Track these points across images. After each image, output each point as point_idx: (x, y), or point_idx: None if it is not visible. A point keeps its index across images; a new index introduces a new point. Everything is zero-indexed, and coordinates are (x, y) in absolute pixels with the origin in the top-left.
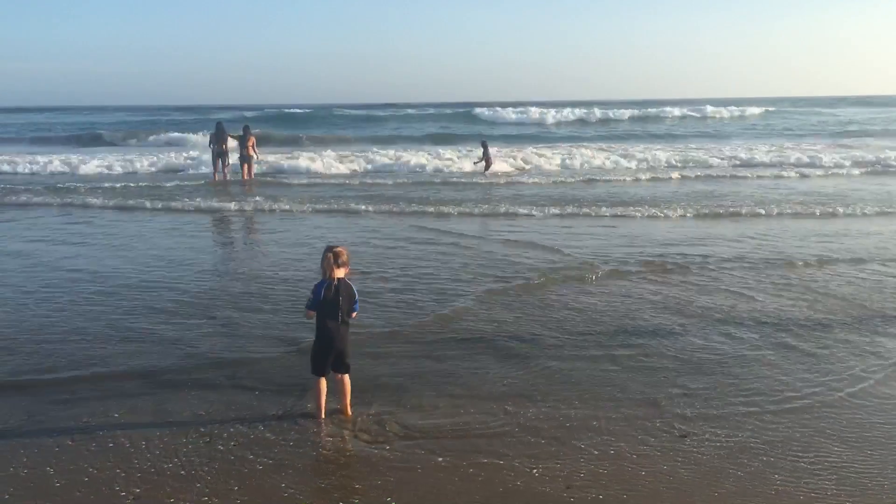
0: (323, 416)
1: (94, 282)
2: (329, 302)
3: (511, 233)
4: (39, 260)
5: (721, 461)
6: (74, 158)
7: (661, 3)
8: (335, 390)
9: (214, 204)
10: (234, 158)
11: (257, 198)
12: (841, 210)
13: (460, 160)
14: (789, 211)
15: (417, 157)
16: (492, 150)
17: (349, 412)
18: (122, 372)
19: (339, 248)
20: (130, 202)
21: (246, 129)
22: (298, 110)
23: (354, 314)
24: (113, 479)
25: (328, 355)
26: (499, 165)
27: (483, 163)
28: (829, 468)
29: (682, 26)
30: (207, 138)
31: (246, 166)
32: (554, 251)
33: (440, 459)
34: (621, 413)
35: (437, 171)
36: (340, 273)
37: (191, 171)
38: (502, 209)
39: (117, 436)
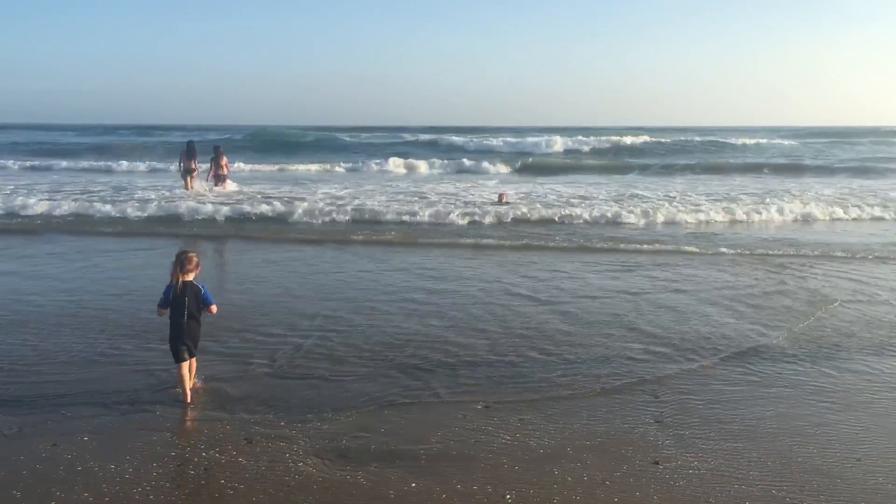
0: (188, 399)
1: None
2: (176, 301)
3: None
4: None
5: (693, 489)
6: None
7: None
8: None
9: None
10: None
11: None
12: None
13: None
14: None
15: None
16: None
17: (193, 384)
18: (86, 395)
19: (188, 255)
20: None
21: (216, 149)
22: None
23: (213, 308)
24: (80, 503)
25: (180, 345)
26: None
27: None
28: (804, 497)
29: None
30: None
31: (222, 183)
32: None
33: (413, 485)
34: (595, 441)
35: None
36: (189, 277)
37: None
38: None
39: (86, 460)
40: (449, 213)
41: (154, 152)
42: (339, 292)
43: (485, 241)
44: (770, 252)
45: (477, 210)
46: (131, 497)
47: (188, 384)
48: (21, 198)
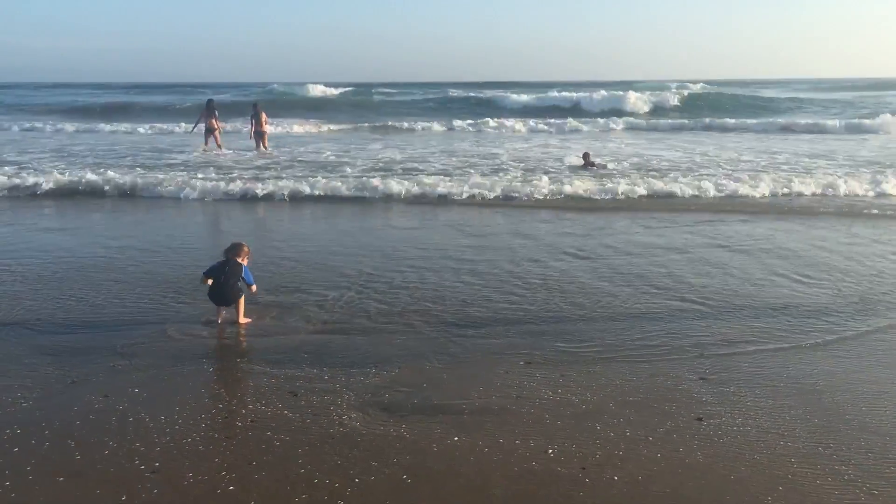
0: (220, 320)
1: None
2: (220, 273)
3: None
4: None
5: (738, 445)
6: None
7: None
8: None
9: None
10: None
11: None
12: None
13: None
14: None
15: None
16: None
17: (241, 320)
18: (135, 349)
19: (240, 244)
20: None
21: (255, 106)
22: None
23: (253, 287)
24: (133, 452)
25: (218, 303)
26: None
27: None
28: (851, 455)
29: None
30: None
31: (262, 140)
32: None
33: (455, 439)
34: (638, 397)
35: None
36: (239, 259)
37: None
38: None
39: (138, 410)
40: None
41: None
42: (377, 248)
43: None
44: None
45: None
46: (182, 447)
47: (220, 317)
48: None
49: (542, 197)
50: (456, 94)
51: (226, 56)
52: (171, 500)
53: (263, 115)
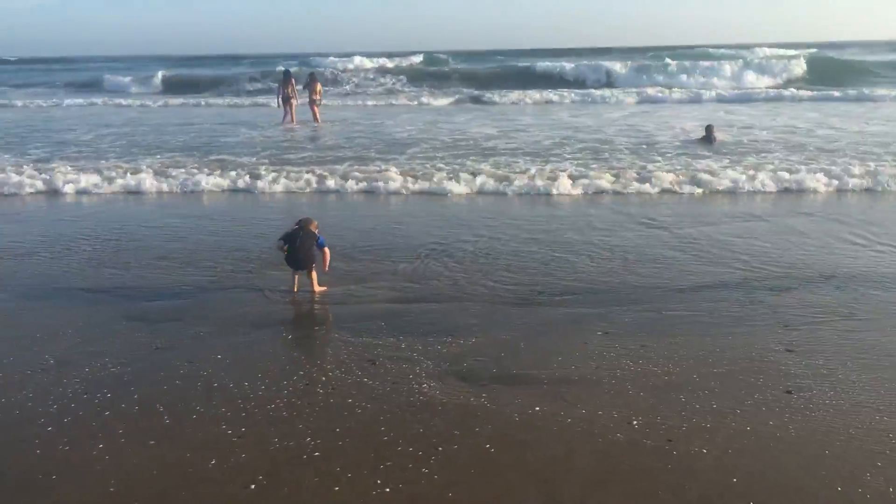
0: (295, 289)
1: None
2: (294, 240)
3: None
4: None
5: (831, 419)
6: None
7: None
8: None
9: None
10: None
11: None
12: None
13: None
14: None
15: None
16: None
17: (316, 288)
18: (217, 317)
19: (308, 220)
20: None
21: (311, 76)
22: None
23: (326, 249)
24: (219, 418)
25: (293, 267)
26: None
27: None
28: None
29: None
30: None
31: (316, 109)
32: None
33: (536, 409)
34: (722, 368)
35: None
36: (310, 227)
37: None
38: None
39: (222, 377)
40: None
41: None
42: (459, 220)
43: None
44: None
45: None
46: (266, 413)
47: (295, 284)
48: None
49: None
50: (523, 64)
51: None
52: (258, 465)
53: (318, 85)
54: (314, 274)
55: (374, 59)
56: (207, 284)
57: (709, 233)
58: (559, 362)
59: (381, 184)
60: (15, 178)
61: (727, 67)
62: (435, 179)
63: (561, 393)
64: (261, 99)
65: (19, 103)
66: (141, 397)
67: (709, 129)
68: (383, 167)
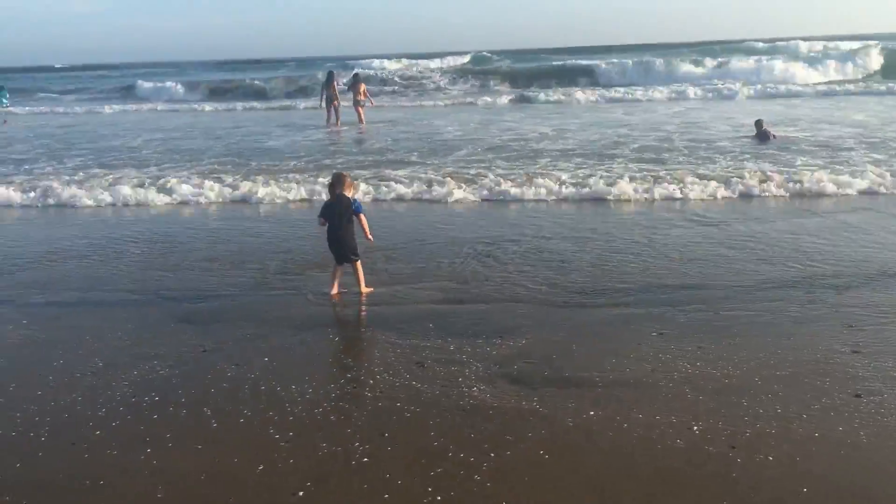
0: (332, 291)
1: None
2: (332, 211)
3: None
4: None
5: None
6: None
7: None
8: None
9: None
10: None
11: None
12: None
13: None
14: None
15: None
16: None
17: (362, 290)
18: (263, 318)
19: (340, 175)
20: None
21: (355, 76)
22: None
23: (362, 216)
24: (266, 422)
25: (333, 249)
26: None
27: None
28: None
29: None
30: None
31: (360, 110)
32: None
33: (591, 413)
34: (786, 371)
35: None
36: (345, 192)
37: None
38: None
39: (269, 380)
40: None
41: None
42: (505, 219)
43: None
44: None
45: None
46: (313, 417)
47: (336, 280)
48: None
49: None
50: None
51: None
52: (306, 472)
53: (362, 86)
54: (360, 270)
55: (420, 60)
56: (254, 286)
57: (761, 230)
58: (613, 364)
59: (435, 190)
60: (71, 190)
61: (779, 63)
62: (489, 182)
63: (616, 396)
64: (304, 102)
65: (61, 109)
66: (188, 401)
67: (758, 124)
68: (433, 174)
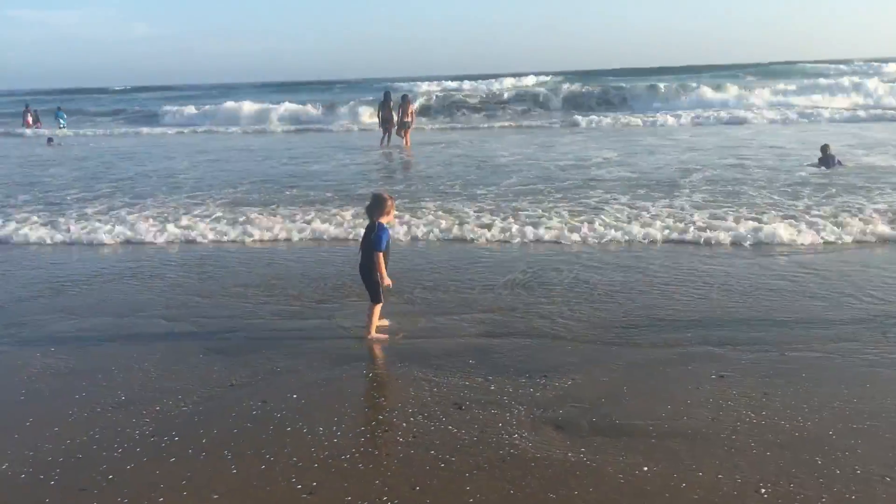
0: (368, 334)
1: None
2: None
3: None
4: None
5: None
6: None
7: None
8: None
9: None
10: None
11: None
12: None
13: None
14: None
15: None
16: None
17: (369, 332)
18: (293, 350)
19: (380, 197)
20: None
21: (405, 97)
22: None
23: (378, 254)
24: (290, 468)
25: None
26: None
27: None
28: None
29: None
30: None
31: (405, 131)
32: None
33: (644, 468)
34: (864, 423)
35: None
36: (382, 219)
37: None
38: None
39: (295, 420)
40: None
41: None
42: (549, 249)
43: None
44: None
45: None
46: (340, 465)
47: (371, 322)
48: None
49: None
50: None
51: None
52: None
53: (411, 107)
54: (375, 314)
55: (466, 82)
56: (289, 315)
57: (825, 261)
58: (668, 411)
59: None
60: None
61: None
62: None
63: (672, 450)
64: (353, 124)
65: (122, 130)
66: (209, 442)
67: (825, 148)
68: (476, 214)
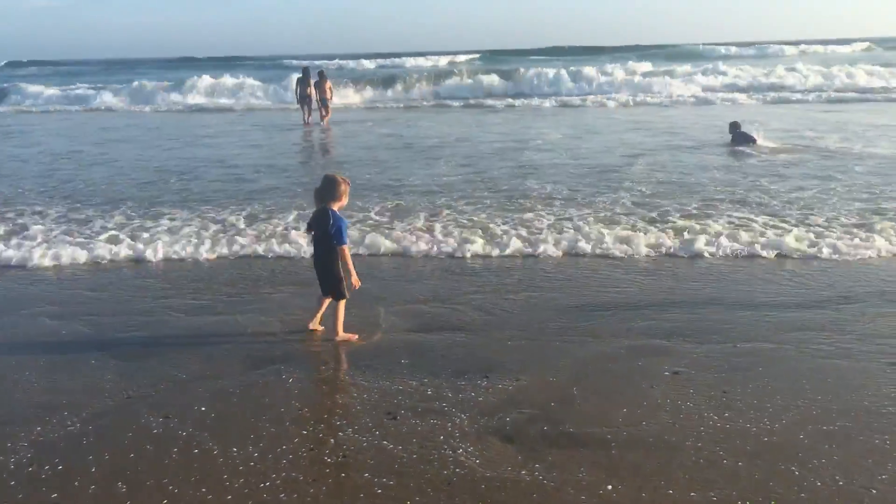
0: (310, 324)
1: None
2: (312, 228)
3: None
4: None
5: None
6: None
7: None
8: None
9: None
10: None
11: None
12: None
13: None
14: None
15: None
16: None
17: (339, 334)
18: (200, 351)
19: (331, 179)
20: None
21: (321, 73)
22: None
23: (343, 248)
24: (198, 502)
25: (320, 282)
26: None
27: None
28: None
29: None
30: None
31: (325, 108)
32: None
33: (608, 487)
34: (834, 425)
35: None
36: (332, 205)
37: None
38: None
39: (204, 439)
40: None
41: None
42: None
43: None
44: None
45: None
46: (258, 496)
47: (317, 314)
48: None
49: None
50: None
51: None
52: None
53: (328, 83)
54: (341, 311)
55: (380, 59)
56: (195, 310)
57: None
58: (624, 416)
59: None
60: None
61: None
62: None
63: (636, 463)
64: (271, 102)
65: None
66: (99, 470)
67: (734, 126)
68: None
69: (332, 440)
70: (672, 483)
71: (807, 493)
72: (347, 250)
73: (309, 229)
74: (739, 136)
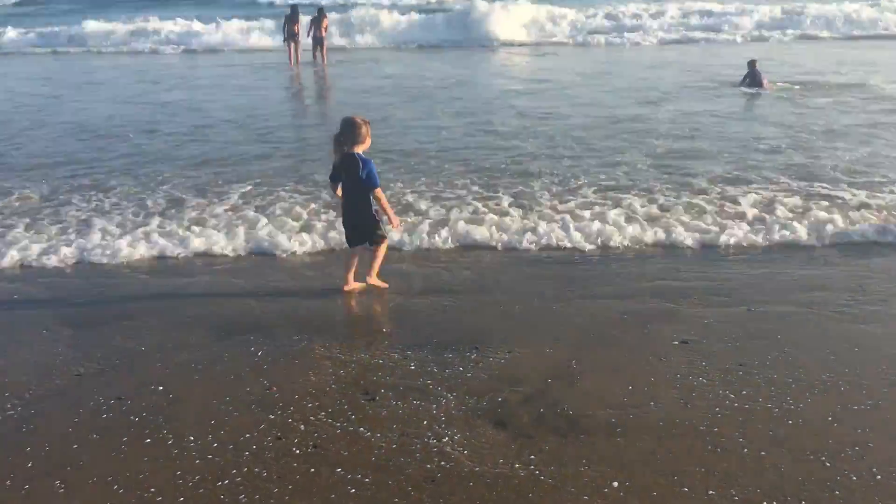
0: (346, 287)
1: None
2: (340, 176)
3: None
4: None
5: None
6: None
7: None
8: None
9: None
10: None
11: None
12: None
13: None
14: None
15: None
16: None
17: (373, 279)
18: (175, 320)
19: (351, 122)
20: None
21: (320, 10)
22: None
23: (378, 191)
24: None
25: (345, 226)
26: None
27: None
28: None
29: None
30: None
31: (319, 47)
32: None
33: (615, 484)
34: (864, 404)
35: None
36: (355, 149)
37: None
38: None
39: (159, 425)
40: None
41: None
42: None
43: None
44: None
45: None
46: (214, 494)
47: (349, 273)
48: None
49: None
50: None
51: None
52: None
53: (325, 21)
54: (380, 256)
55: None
56: (158, 270)
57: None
58: (629, 394)
59: None
60: None
61: None
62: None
63: (645, 453)
64: (261, 40)
65: None
66: (37, 465)
67: (751, 64)
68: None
69: (301, 427)
70: (686, 475)
71: (841, 490)
72: (381, 193)
73: (334, 181)
74: (750, 76)
